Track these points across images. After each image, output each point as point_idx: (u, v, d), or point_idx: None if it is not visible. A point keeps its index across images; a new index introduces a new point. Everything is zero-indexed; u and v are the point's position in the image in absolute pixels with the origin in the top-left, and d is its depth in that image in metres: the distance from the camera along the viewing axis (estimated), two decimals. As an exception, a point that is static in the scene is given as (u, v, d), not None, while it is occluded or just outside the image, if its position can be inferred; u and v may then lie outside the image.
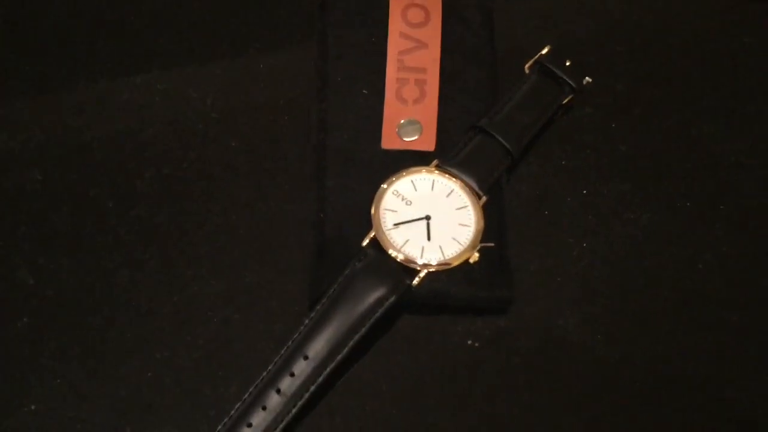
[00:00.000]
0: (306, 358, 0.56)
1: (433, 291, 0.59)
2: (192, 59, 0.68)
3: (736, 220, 0.63)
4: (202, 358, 0.58)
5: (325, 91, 0.65)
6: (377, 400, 0.57)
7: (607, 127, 0.66)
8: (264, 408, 0.55)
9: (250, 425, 0.54)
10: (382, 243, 0.58)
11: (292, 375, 0.55)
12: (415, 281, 0.58)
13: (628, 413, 0.57)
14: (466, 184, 0.60)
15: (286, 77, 0.67)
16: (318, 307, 0.57)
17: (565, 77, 0.64)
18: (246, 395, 0.55)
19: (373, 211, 0.59)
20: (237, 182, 0.63)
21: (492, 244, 0.59)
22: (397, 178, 0.60)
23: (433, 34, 0.66)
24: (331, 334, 0.56)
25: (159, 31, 0.69)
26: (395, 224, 0.59)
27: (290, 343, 0.56)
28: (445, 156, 0.62)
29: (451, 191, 0.60)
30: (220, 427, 0.55)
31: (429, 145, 0.63)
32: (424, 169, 0.61)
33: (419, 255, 0.58)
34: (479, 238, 0.59)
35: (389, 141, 0.63)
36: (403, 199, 0.60)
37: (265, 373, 0.56)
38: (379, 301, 0.57)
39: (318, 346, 0.56)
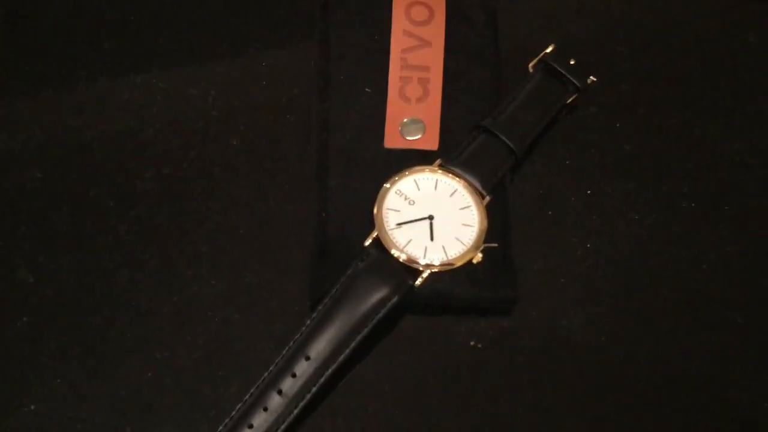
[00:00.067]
0: (308, 358, 0.55)
1: (436, 291, 0.58)
2: (192, 58, 0.68)
3: (740, 221, 0.63)
4: (203, 358, 0.58)
5: (327, 90, 0.65)
6: (380, 401, 0.57)
7: (611, 127, 0.66)
8: (265, 409, 0.55)
9: (251, 426, 0.54)
10: (384, 243, 0.58)
11: (294, 376, 0.55)
12: (418, 282, 0.58)
13: (632, 413, 0.57)
14: (470, 184, 0.60)
15: (287, 76, 0.67)
16: (320, 307, 0.57)
17: (569, 76, 0.64)
18: (247, 396, 0.55)
19: (375, 210, 0.59)
20: (237, 182, 0.63)
21: (495, 245, 0.59)
22: (400, 178, 0.60)
23: (436, 32, 0.66)
24: (333, 335, 0.56)
25: (159, 30, 0.69)
26: (398, 224, 0.59)
27: (292, 343, 0.56)
28: (448, 155, 0.62)
29: (455, 191, 0.60)
30: (221, 427, 0.54)
31: (432, 144, 0.63)
32: (427, 169, 0.61)
33: (422, 255, 0.58)
34: (483, 239, 0.59)
35: (392, 140, 0.63)
36: (406, 199, 0.59)
37: (266, 374, 0.55)
38: (382, 302, 0.57)
39: (320, 347, 0.56)
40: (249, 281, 0.60)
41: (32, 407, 0.56)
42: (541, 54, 0.66)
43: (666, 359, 0.59)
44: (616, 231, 0.62)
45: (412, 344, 0.59)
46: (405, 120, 0.63)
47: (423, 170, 0.61)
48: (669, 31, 0.70)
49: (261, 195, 0.63)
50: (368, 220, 0.59)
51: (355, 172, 0.62)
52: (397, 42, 0.65)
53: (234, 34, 0.69)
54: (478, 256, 0.58)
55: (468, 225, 0.59)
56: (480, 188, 0.60)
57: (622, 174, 0.64)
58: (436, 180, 0.60)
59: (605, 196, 0.63)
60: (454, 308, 0.59)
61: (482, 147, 0.62)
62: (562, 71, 0.64)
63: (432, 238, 0.58)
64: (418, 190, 0.60)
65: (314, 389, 0.55)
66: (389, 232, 0.58)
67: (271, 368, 0.55)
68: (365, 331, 0.56)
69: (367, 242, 0.58)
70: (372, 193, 0.60)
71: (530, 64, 0.66)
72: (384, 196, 0.59)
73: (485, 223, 0.59)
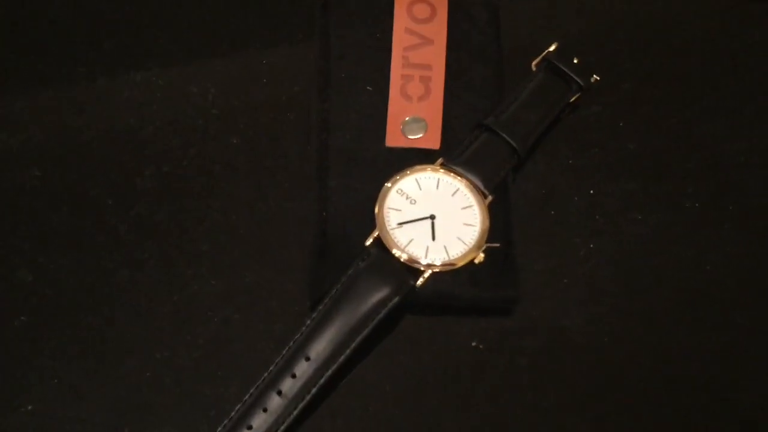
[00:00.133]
0: (308, 359, 0.55)
1: (438, 292, 0.58)
2: (192, 56, 0.68)
3: (744, 221, 0.63)
4: (202, 358, 0.58)
5: (327, 90, 0.65)
6: (380, 401, 0.57)
7: (614, 126, 0.65)
8: (265, 410, 0.54)
9: (250, 427, 0.54)
10: (385, 242, 0.58)
11: (294, 376, 0.55)
12: (419, 282, 0.57)
13: (634, 414, 0.57)
14: (472, 183, 0.60)
15: (287, 74, 0.67)
16: (320, 308, 0.56)
17: (572, 75, 0.64)
18: (246, 396, 0.55)
19: (376, 210, 0.59)
20: (237, 180, 0.63)
21: (498, 245, 0.59)
22: (402, 177, 0.60)
23: (438, 30, 0.66)
24: (334, 335, 0.56)
25: (159, 28, 0.69)
26: (399, 223, 0.58)
27: (291, 343, 0.56)
28: (450, 154, 0.61)
29: (457, 190, 0.60)
30: (219, 428, 0.54)
31: (434, 143, 0.63)
32: (429, 168, 0.60)
33: (423, 255, 0.57)
34: (485, 239, 0.58)
35: (393, 139, 0.63)
36: (407, 198, 0.59)
37: (265, 374, 0.55)
38: (383, 302, 0.57)
39: (320, 347, 0.55)
40: (249, 281, 0.60)
41: (30, 407, 0.56)
42: (545, 52, 0.65)
43: (668, 360, 0.58)
44: (619, 231, 0.62)
45: (413, 345, 0.58)
46: (406, 119, 0.63)
47: (425, 169, 0.60)
48: (672, 29, 0.70)
49: (261, 194, 0.63)
50: (369, 220, 0.59)
51: (356, 172, 0.62)
52: (399, 40, 0.65)
53: (234, 32, 0.69)
54: (480, 256, 0.58)
55: (470, 225, 0.59)
56: (482, 187, 0.60)
57: (625, 173, 0.64)
58: (438, 179, 0.60)
59: (608, 195, 0.63)
60: (456, 308, 0.59)
61: (484, 146, 0.61)
62: (566, 70, 0.64)
63: (433, 238, 0.58)
64: (420, 189, 0.60)
65: (314, 390, 0.55)
66: (390, 232, 0.58)
67: (270, 368, 0.55)
68: (366, 331, 0.56)
69: (368, 242, 0.58)
70: (373, 193, 0.59)
71: (533, 63, 0.66)
72: (385, 196, 0.59)
73: (487, 223, 0.59)
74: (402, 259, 0.57)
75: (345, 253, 0.58)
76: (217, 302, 0.59)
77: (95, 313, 0.59)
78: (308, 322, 0.56)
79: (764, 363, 0.59)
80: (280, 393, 0.55)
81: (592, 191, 0.63)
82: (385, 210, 0.59)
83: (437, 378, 0.58)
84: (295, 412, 0.55)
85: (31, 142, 0.64)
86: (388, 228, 0.58)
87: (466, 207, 0.59)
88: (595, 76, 0.65)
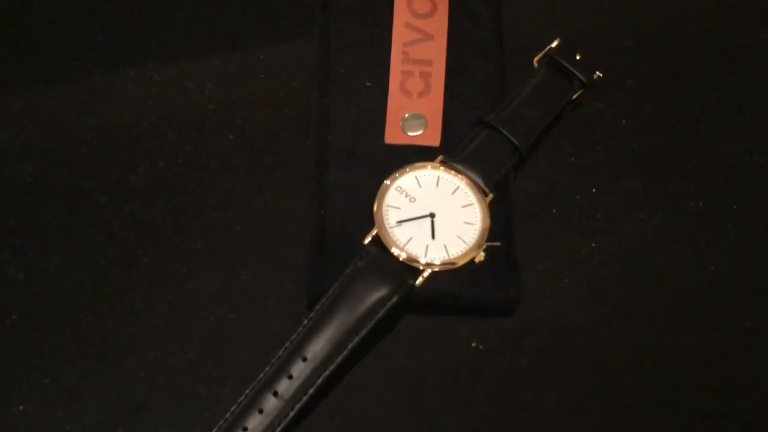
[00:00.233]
0: (305, 359, 0.55)
1: (437, 291, 0.58)
2: (189, 50, 0.67)
3: (746, 220, 0.63)
4: (197, 358, 0.57)
5: (327, 85, 0.64)
6: (378, 402, 0.57)
7: (617, 124, 0.65)
8: (260, 411, 0.54)
9: (245, 429, 0.54)
10: (384, 241, 0.57)
11: (290, 377, 0.55)
12: (419, 281, 0.57)
13: (635, 414, 0.57)
14: (472, 181, 0.60)
15: (285, 69, 0.67)
16: (318, 307, 0.56)
17: (575, 71, 0.64)
18: (242, 398, 0.55)
19: (375, 207, 0.58)
20: (234, 177, 0.63)
21: (498, 244, 0.58)
22: (401, 174, 0.60)
23: (439, 25, 0.65)
24: (331, 335, 0.55)
25: (155, 22, 0.69)
26: (398, 222, 0.58)
27: (288, 343, 0.56)
28: (450, 152, 0.61)
29: (457, 188, 0.59)
30: (214, 430, 0.54)
31: (434, 140, 0.62)
32: (428, 165, 0.60)
33: (423, 254, 0.57)
34: (485, 237, 0.58)
35: (393, 135, 0.63)
36: (406, 196, 0.59)
37: (262, 375, 0.55)
38: (381, 302, 0.56)
39: (317, 348, 0.55)
40: (245, 279, 0.60)
41: (21, 407, 0.56)
42: (546, 48, 0.65)
43: (670, 360, 0.58)
44: (621, 230, 0.62)
45: (412, 345, 0.58)
46: (406, 115, 0.63)
47: (424, 167, 0.60)
48: (676, 26, 0.70)
49: (258, 190, 0.62)
50: (368, 218, 0.58)
51: (355, 168, 0.61)
52: (399, 35, 0.65)
53: (231, 27, 0.69)
54: (481, 255, 0.58)
55: (470, 223, 0.58)
56: (483, 185, 0.60)
57: (628, 172, 0.64)
58: (438, 177, 0.60)
59: (610, 194, 0.63)
60: (456, 308, 0.59)
61: (485, 143, 0.61)
62: (568, 66, 0.64)
63: (433, 237, 0.58)
64: (420, 187, 0.59)
65: (311, 391, 0.55)
66: (389, 230, 0.58)
67: (266, 369, 0.55)
68: (364, 331, 0.56)
69: (367, 240, 0.58)
70: (372, 190, 0.59)
71: (535, 59, 0.65)
72: (384, 193, 0.59)
73: (488, 222, 0.58)
74: (401, 258, 0.57)
75: (344, 251, 0.58)
76: (212, 301, 0.59)
77: (88, 311, 0.59)
78: (305, 321, 0.56)
79: (765, 363, 0.59)
80: (276, 394, 0.54)
81: (594, 190, 0.63)
82: (384, 208, 0.58)
83: (437, 378, 0.57)
84: (292, 414, 0.54)
85: (23, 136, 0.64)
86: (387, 226, 0.58)
87: (467, 205, 0.59)
88: (597, 72, 0.65)
